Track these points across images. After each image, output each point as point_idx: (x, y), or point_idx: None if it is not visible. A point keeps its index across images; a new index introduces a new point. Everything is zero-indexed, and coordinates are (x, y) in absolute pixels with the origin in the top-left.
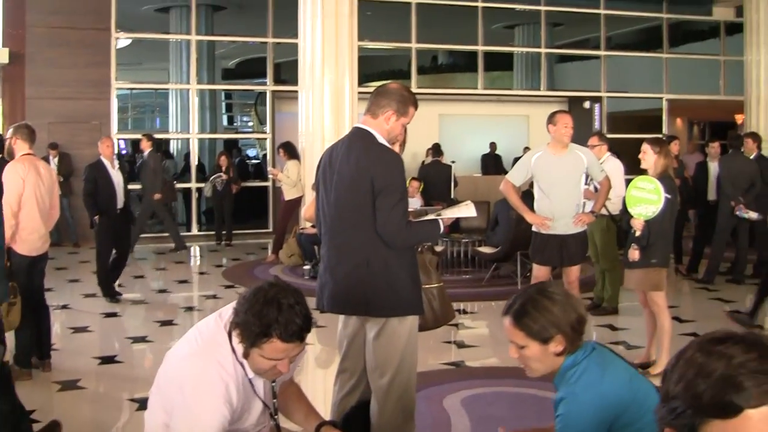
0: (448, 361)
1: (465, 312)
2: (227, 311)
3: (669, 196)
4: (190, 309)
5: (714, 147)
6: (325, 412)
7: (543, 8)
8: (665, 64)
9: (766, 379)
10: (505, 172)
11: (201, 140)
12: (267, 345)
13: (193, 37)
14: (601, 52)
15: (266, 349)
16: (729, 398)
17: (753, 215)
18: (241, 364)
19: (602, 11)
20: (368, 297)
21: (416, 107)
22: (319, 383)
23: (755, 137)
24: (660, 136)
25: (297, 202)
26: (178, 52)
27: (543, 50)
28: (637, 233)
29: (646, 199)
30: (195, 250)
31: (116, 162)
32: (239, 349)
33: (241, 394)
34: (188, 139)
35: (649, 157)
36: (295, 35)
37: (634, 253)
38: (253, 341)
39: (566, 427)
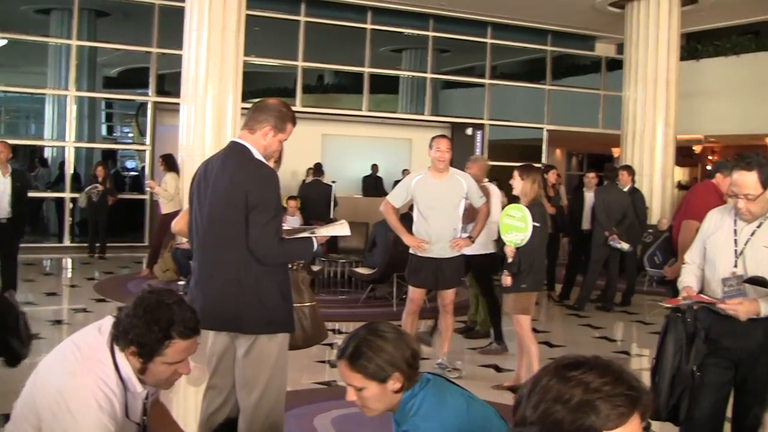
0: (321, 380)
1: (340, 332)
2: (107, 325)
3: (537, 224)
4: (58, 323)
5: (590, 178)
6: (195, 430)
7: (431, 34)
8: (547, 96)
9: (621, 401)
10: (386, 194)
11: (78, 149)
12: (169, 349)
13: (74, 42)
14: (486, 81)
15: (169, 354)
16: (588, 422)
17: (624, 246)
18: (122, 381)
19: (489, 40)
20: (239, 313)
21: (294, 124)
22: (191, 400)
23: (629, 170)
24: (532, 164)
25: (174, 216)
26: (58, 56)
27: (429, 75)
28: (509, 260)
29: (516, 227)
30: (66, 262)
31: (9, 168)
32: (130, 365)
33: (121, 413)
34: (64, 148)
35: (517, 183)
36: (180, 46)
37: (506, 279)
38: (153, 350)
39: None
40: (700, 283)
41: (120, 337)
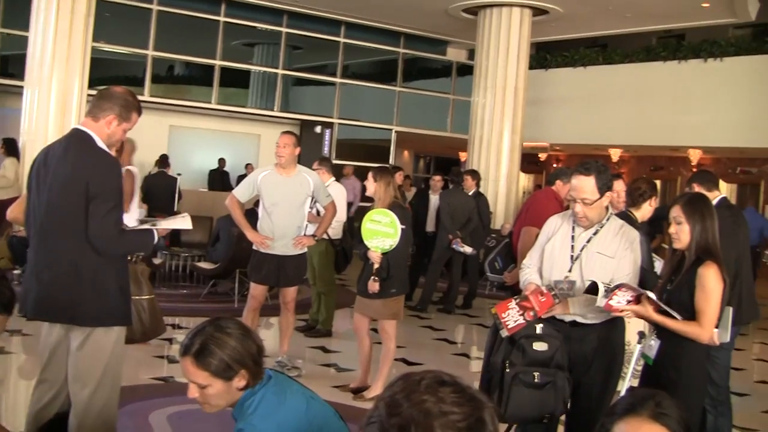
0: (159, 375)
1: (179, 327)
2: None
3: (404, 227)
4: None
5: (436, 180)
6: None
7: (284, 30)
8: (397, 97)
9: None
10: (232, 189)
11: None
12: None
13: None
14: (337, 79)
15: None
16: None
17: (468, 249)
18: None
19: (341, 39)
20: (74, 304)
21: (140, 113)
22: (21, 395)
23: (474, 174)
24: (386, 165)
25: (11, 203)
26: None
27: (280, 71)
28: (376, 266)
29: (382, 233)
30: None
31: None
32: None
33: None
34: None
35: (369, 185)
36: (26, 27)
37: (374, 285)
38: None
39: None
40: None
41: None
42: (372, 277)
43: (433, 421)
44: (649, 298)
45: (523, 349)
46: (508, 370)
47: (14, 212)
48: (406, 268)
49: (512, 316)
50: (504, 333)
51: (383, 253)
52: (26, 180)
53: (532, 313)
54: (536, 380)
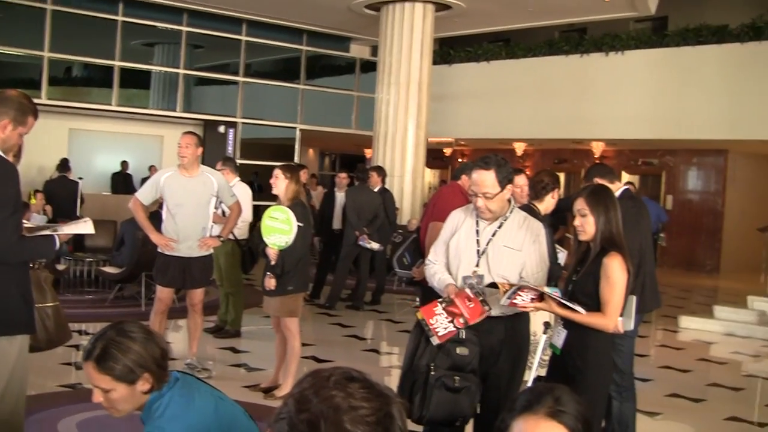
0: (66, 383)
1: (86, 333)
2: None
3: (301, 224)
4: None
5: (341, 178)
6: None
7: (184, 29)
8: (301, 95)
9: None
10: (135, 192)
11: None
12: None
13: None
14: (240, 78)
15: None
16: None
17: (374, 246)
18: None
19: (243, 38)
20: None
21: (36, 117)
22: None
23: (380, 171)
24: (292, 163)
25: None
26: None
27: (182, 71)
28: (272, 262)
29: (279, 229)
30: None
31: None
32: None
33: None
34: None
35: (280, 182)
36: None
37: (270, 282)
38: None
39: None
40: None
41: None
42: (267, 274)
43: (342, 416)
44: (550, 295)
45: (448, 353)
46: (433, 373)
47: None
48: (305, 266)
49: (441, 323)
50: (435, 340)
51: (280, 250)
52: None
53: (462, 321)
54: (456, 384)
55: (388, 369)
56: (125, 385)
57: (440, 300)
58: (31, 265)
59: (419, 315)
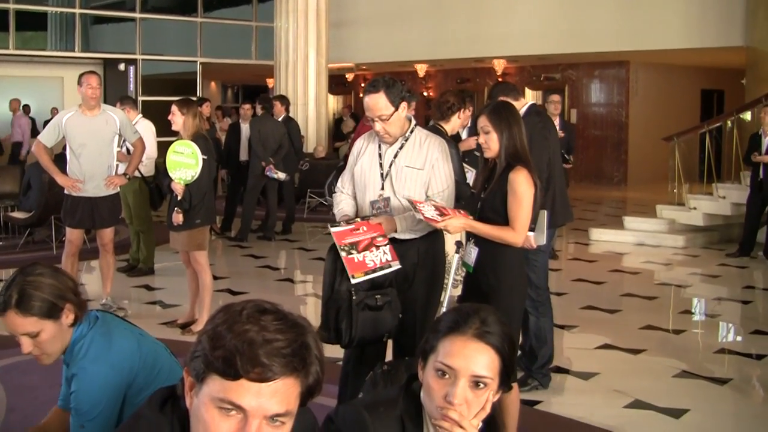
0: None
1: (0, 280)
2: None
3: (205, 157)
4: None
5: (245, 109)
6: None
7: None
8: (200, 28)
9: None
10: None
11: None
12: None
13: None
14: (137, 15)
15: None
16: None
17: (281, 176)
18: None
19: None
20: None
21: None
22: None
23: (283, 100)
24: (190, 97)
25: None
26: None
27: (78, 11)
28: (179, 197)
29: (185, 164)
30: None
31: None
32: None
33: None
34: None
35: (177, 118)
36: None
37: (177, 217)
38: None
39: (81, 403)
40: (356, 210)
41: None
42: (175, 209)
43: (257, 349)
44: (458, 209)
45: None
46: (354, 297)
47: None
48: (211, 199)
49: (375, 255)
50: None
51: (186, 185)
52: None
53: (380, 238)
54: (378, 302)
55: (304, 297)
56: (51, 321)
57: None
58: None
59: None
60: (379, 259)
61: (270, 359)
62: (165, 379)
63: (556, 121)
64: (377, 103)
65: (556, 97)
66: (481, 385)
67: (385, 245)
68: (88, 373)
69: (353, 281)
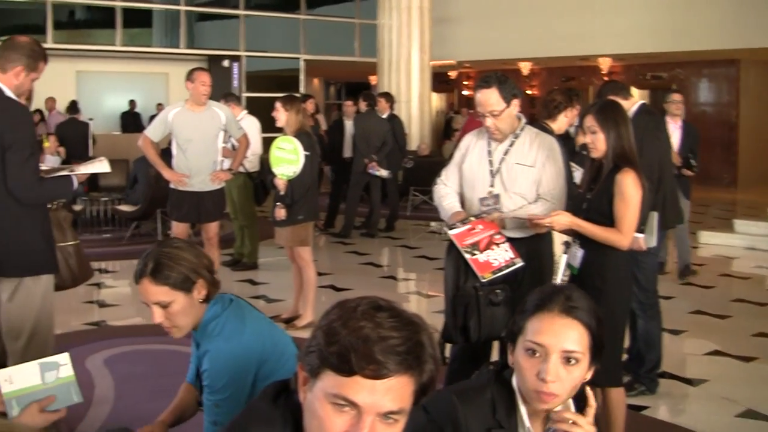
0: (90, 321)
1: (106, 271)
2: None
3: (308, 153)
4: None
5: (348, 106)
6: None
7: None
8: (302, 25)
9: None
10: (144, 130)
11: None
12: None
13: None
14: (241, 12)
15: None
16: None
17: (384, 173)
18: None
19: None
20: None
21: (46, 62)
22: None
23: (388, 97)
24: (294, 94)
25: None
26: None
27: (183, 8)
28: (281, 192)
29: (287, 160)
30: None
31: None
32: None
33: None
34: None
35: (281, 114)
36: None
37: (280, 212)
38: None
39: (215, 380)
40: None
41: None
42: (277, 204)
43: (372, 346)
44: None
45: None
46: (480, 293)
47: None
48: (314, 195)
49: (497, 254)
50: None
51: (288, 180)
52: None
53: (497, 236)
54: (498, 298)
55: (407, 295)
56: (183, 293)
57: (460, 221)
58: (49, 206)
59: (449, 233)
60: (502, 257)
61: (385, 356)
62: (290, 370)
63: (678, 123)
64: (489, 98)
65: (677, 97)
66: (573, 361)
67: (504, 243)
68: (222, 350)
69: (483, 281)
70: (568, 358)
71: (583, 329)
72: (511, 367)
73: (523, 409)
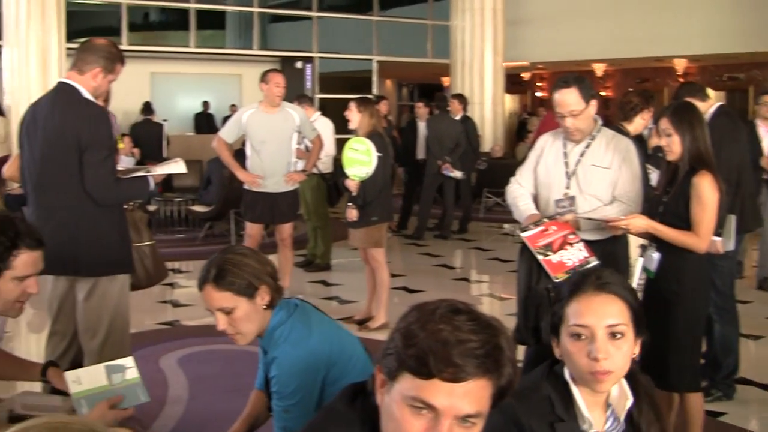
0: (164, 320)
1: (180, 271)
2: None
3: (380, 155)
4: None
5: (421, 107)
6: None
7: None
8: (375, 26)
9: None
10: (218, 131)
11: None
12: (18, 260)
13: None
14: (314, 13)
15: (18, 267)
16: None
17: (457, 174)
18: None
19: None
20: (77, 256)
21: (123, 64)
22: (33, 348)
23: (461, 99)
24: (367, 95)
25: (4, 161)
26: None
27: (256, 9)
28: (353, 193)
29: (359, 161)
30: None
31: None
32: None
33: None
34: None
35: (354, 116)
36: None
37: (351, 213)
38: (1, 263)
39: (283, 386)
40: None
41: None
42: (349, 205)
43: (451, 350)
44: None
45: None
46: (552, 294)
47: (10, 170)
48: (388, 196)
49: (571, 253)
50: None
51: (360, 181)
52: (17, 138)
53: (571, 236)
54: None
55: (480, 297)
56: (246, 299)
57: (533, 224)
58: (126, 207)
59: (522, 235)
60: (576, 256)
61: (463, 360)
62: (359, 373)
63: None
64: (569, 98)
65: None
66: (618, 335)
67: (578, 242)
68: (289, 356)
69: (556, 281)
70: (613, 333)
71: (621, 302)
72: (560, 360)
73: (580, 400)
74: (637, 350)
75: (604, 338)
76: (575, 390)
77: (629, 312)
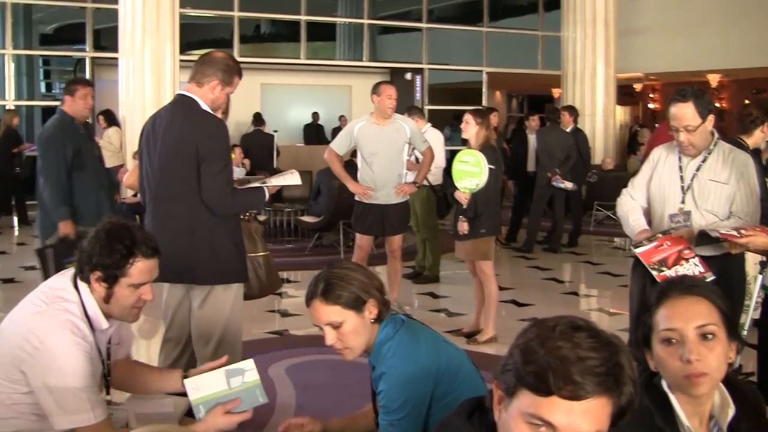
0: (272, 330)
1: (288, 281)
2: (69, 271)
3: (492, 167)
4: (10, 281)
5: (533, 120)
6: None
7: None
8: (485, 38)
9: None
10: (328, 142)
11: (17, 107)
12: (134, 268)
13: None
14: (423, 25)
15: (134, 274)
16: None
17: (569, 185)
18: (88, 319)
19: None
20: (193, 264)
21: (241, 77)
22: (143, 355)
23: (571, 110)
24: (481, 107)
25: (119, 169)
26: None
27: (366, 21)
28: (464, 206)
29: (470, 173)
30: (13, 219)
31: None
32: (95, 296)
33: (93, 353)
34: (3, 106)
35: (471, 128)
36: (115, 1)
37: (462, 226)
38: (118, 269)
39: (390, 401)
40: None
41: (83, 265)
42: (459, 217)
43: (570, 367)
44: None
45: None
46: None
47: (130, 179)
48: (497, 209)
49: (686, 269)
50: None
51: (471, 194)
52: (137, 148)
53: (686, 251)
54: None
55: (589, 312)
56: (354, 313)
57: (646, 239)
58: (242, 217)
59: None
60: (691, 271)
61: (583, 377)
62: (468, 388)
63: None
64: (685, 113)
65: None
66: (710, 336)
67: (694, 257)
68: (397, 371)
69: None
70: (704, 334)
71: (708, 303)
72: (656, 372)
73: (679, 410)
74: (732, 355)
75: (695, 340)
76: (674, 399)
77: (718, 313)
